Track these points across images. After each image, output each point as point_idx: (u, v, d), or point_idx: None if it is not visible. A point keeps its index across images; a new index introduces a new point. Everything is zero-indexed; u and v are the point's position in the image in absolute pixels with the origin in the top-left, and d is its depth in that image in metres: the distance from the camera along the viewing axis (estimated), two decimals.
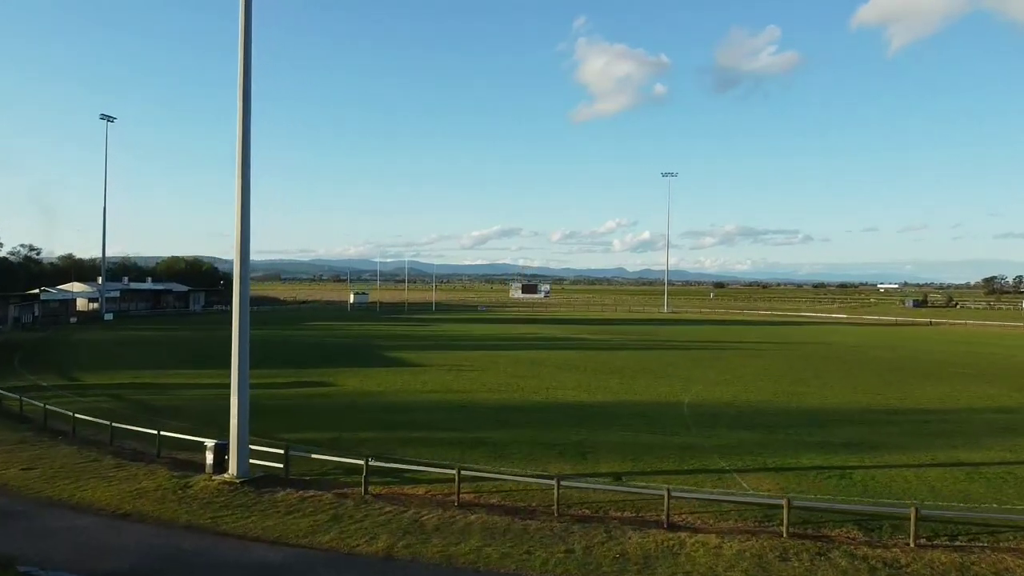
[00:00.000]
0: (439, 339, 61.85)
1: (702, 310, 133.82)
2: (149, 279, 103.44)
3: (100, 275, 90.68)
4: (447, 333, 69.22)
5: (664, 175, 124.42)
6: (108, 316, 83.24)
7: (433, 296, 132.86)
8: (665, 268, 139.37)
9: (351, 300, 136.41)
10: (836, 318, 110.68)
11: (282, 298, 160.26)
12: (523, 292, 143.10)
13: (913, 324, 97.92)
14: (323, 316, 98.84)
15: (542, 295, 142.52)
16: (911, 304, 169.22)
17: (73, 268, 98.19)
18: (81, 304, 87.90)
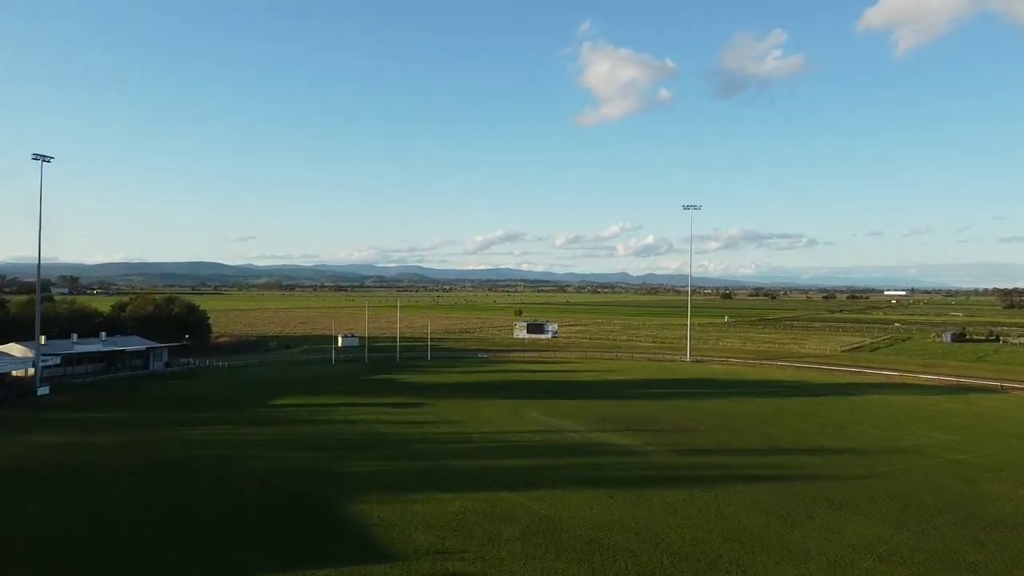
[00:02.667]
0: (431, 450, 49.31)
1: (729, 358, 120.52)
2: (103, 334, 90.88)
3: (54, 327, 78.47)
4: (440, 433, 56.59)
5: (686, 207, 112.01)
6: (43, 391, 70.84)
7: (428, 332, 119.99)
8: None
9: (339, 342, 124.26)
10: (887, 375, 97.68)
11: (271, 338, 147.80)
12: (528, 332, 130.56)
13: (982, 388, 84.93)
14: (291, 381, 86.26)
15: (549, 335, 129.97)
16: (949, 338, 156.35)
17: (11, 324, 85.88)
18: (20, 372, 75.59)
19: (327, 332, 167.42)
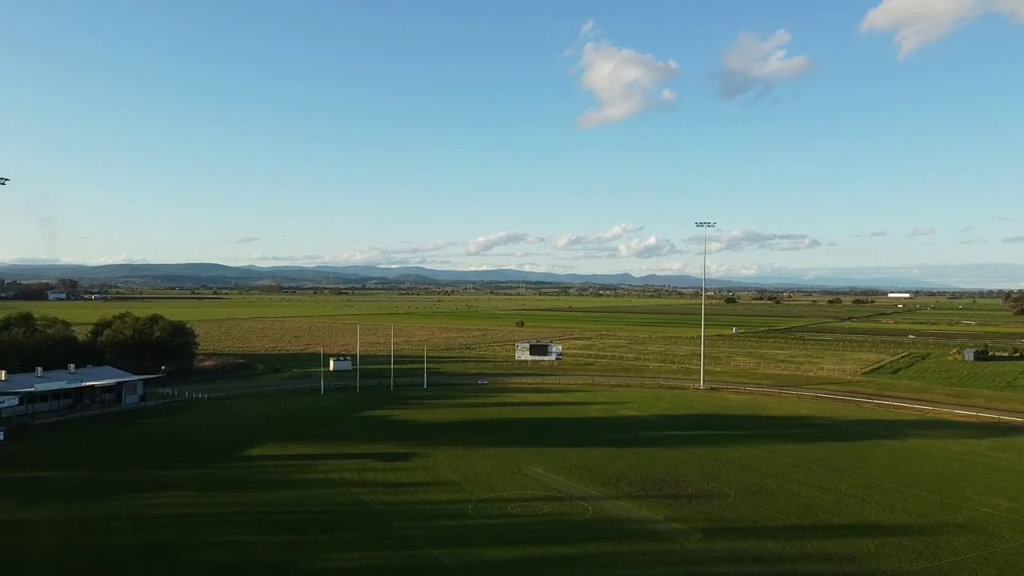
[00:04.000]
0: (418, 531, 42.51)
1: (745, 385, 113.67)
2: (72, 366, 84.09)
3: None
4: (431, 503, 49.85)
5: (699, 224, 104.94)
6: None
7: (425, 357, 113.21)
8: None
9: (331, 366, 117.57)
10: (919, 409, 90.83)
11: (261, 357, 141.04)
12: (531, 353, 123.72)
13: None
14: (274, 420, 79.68)
15: (553, 357, 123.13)
16: (971, 356, 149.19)
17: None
18: None
19: (320, 350, 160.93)
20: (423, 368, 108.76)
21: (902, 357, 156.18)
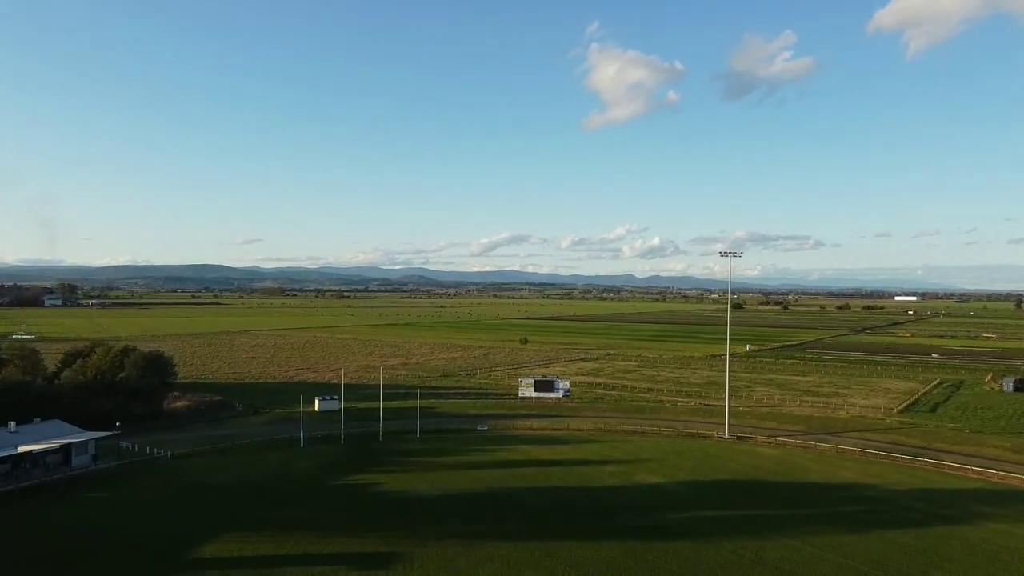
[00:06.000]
0: None
1: (776, 433, 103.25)
2: (12, 423, 73.71)
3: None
4: None
5: (723, 254, 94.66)
6: None
7: (418, 400, 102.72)
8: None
9: (316, 406, 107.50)
10: (981, 474, 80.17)
11: (245, 388, 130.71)
12: (536, 390, 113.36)
13: None
14: (238, 494, 69.55)
15: (560, 394, 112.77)
16: (1010, 387, 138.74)
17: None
18: None
19: (309, 376, 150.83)
20: (416, 405, 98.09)
21: (935, 387, 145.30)
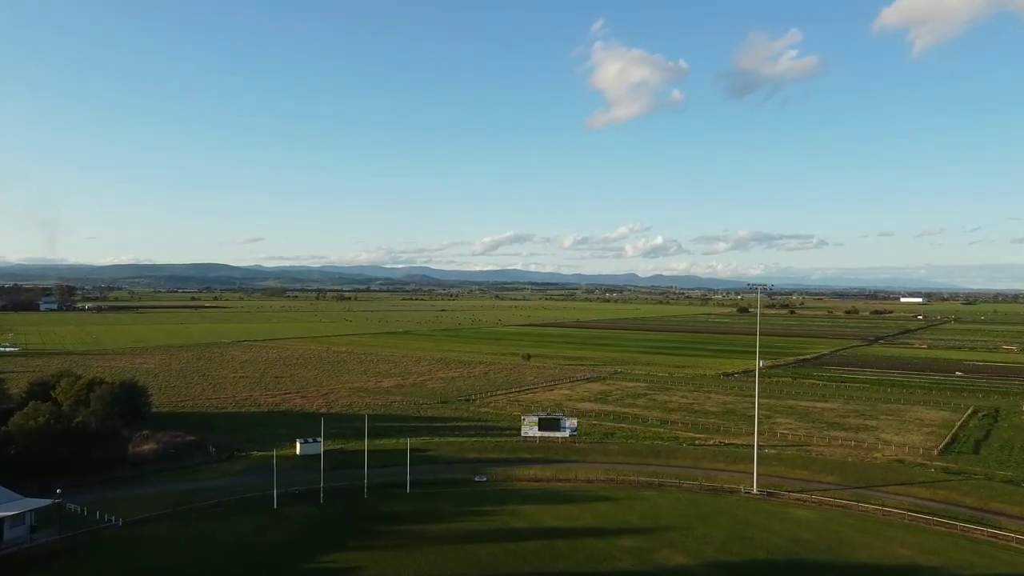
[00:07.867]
0: None
1: (811, 489, 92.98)
2: None
3: None
4: None
5: (750, 287, 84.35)
6: None
7: (408, 451, 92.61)
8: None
9: (298, 450, 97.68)
10: None
11: (226, 417, 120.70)
12: (540, 429, 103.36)
13: None
14: None
15: (567, 434, 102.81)
16: None
17: None
18: None
19: (297, 403, 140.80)
20: (407, 448, 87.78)
21: (969, 417, 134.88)
